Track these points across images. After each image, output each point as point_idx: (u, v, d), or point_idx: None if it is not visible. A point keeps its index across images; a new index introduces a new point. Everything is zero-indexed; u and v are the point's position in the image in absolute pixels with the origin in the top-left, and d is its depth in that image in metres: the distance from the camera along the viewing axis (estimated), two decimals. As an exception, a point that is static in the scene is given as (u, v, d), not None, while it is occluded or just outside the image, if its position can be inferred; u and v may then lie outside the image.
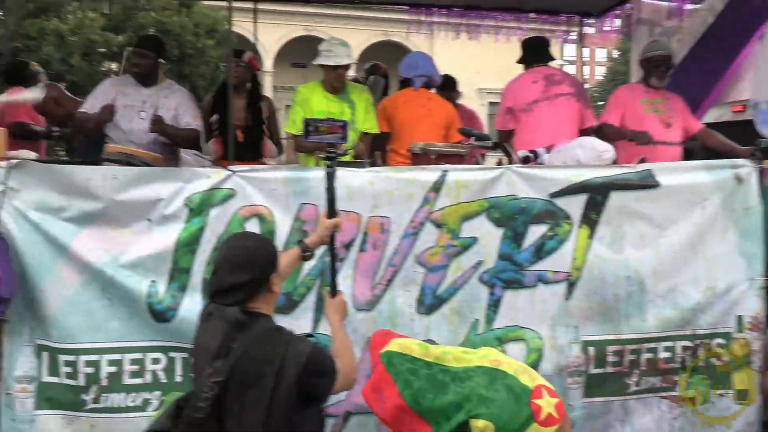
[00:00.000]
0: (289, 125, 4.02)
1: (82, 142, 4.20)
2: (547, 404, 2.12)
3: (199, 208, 2.94)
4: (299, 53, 28.46)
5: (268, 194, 2.99)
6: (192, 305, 2.95)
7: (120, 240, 2.93)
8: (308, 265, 3.01)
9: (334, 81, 3.90)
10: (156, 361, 3.00)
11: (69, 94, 4.23)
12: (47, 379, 2.93)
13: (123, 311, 2.95)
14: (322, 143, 2.80)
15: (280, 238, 2.99)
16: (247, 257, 2.13)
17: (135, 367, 2.97)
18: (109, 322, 2.95)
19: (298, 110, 3.96)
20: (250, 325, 2.10)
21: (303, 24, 24.45)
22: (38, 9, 16.48)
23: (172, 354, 3.00)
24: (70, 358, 2.91)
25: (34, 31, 16.08)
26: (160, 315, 2.93)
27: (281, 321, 2.98)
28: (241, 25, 23.58)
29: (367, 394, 2.33)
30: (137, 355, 2.98)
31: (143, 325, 2.96)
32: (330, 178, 2.60)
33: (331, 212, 2.60)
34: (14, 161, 2.84)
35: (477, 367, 2.23)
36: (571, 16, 5.39)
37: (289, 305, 3.03)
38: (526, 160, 3.40)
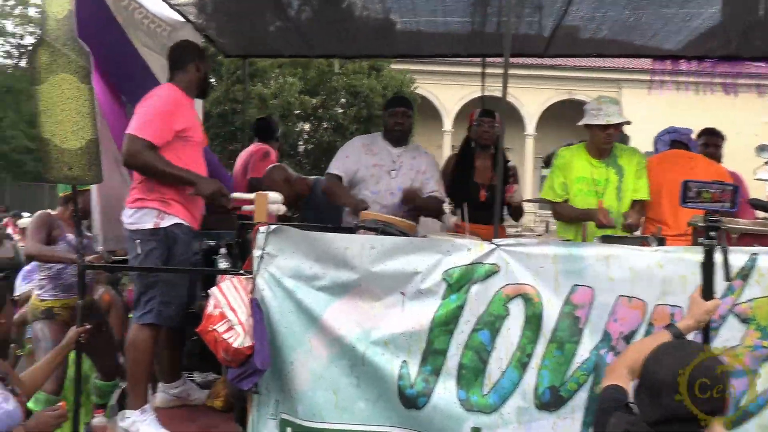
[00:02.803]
0: (546, 191, 3.68)
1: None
2: None
3: (458, 284, 2.66)
4: (478, 113, 28.78)
5: (536, 272, 2.64)
6: (445, 393, 2.65)
7: (372, 314, 2.72)
8: (580, 358, 2.60)
9: (602, 143, 3.51)
10: (401, 451, 2.71)
11: (296, 173, 4.25)
12: (289, 457, 2.76)
13: (371, 392, 2.71)
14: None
15: (548, 323, 2.62)
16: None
17: (378, 455, 2.71)
18: (356, 402, 2.72)
19: (558, 175, 3.62)
20: None
21: (480, 84, 24.63)
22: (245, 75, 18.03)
23: (418, 444, 2.70)
24: (315, 438, 2.72)
25: (242, 96, 17.57)
26: (411, 400, 2.65)
27: (545, 419, 2.62)
28: (424, 87, 24.04)
29: None
30: (382, 442, 2.72)
31: (390, 410, 2.69)
32: (710, 254, 2.26)
33: (708, 293, 2.25)
34: (272, 227, 2.76)
35: None
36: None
37: (555, 401, 2.61)
38: None
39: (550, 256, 2.63)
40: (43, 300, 3.91)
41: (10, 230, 10.03)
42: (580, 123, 3.56)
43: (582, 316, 2.61)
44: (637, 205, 3.56)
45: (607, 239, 2.87)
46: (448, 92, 25.13)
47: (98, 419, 3.05)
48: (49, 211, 4.07)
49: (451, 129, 25.78)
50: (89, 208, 3.77)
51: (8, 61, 31.37)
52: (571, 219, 3.54)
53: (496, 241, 2.68)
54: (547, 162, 5.21)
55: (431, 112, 24.70)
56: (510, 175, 4.16)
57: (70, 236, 3.87)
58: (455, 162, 4.31)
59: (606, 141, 3.49)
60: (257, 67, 17.41)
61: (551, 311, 2.62)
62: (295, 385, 2.72)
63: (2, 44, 31.35)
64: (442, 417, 2.63)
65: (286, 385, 2.74)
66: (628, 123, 3.52)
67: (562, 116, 26.73)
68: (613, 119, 3.43)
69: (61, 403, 2.69)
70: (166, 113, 3.13)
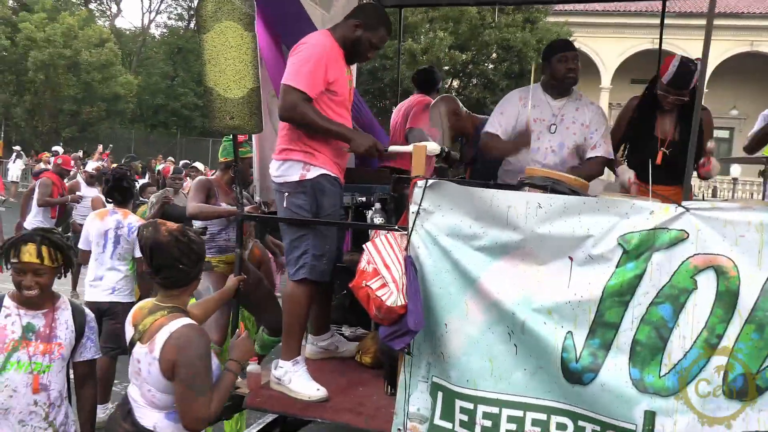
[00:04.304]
0: None
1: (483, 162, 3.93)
2: None
3: (636, 250, 2.35)
4: (642, 68, 26.61)
5: (734, 242, 2.26)
6: (616, 370, 2.37)
7: (535, 279, 2.49)
8: (784, 341, 2.21)
9: None
10: (562, 426, 2.49)
11: (465, 109, 4.01)
12: (440, 422, 2.64)
13: (530, 362, 2.51)
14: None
15: (746, 302, 2.24)
16: None
17: (536, 429, 2.51)
18: (513, 372, 2.53)
19: None
20: None
21: (649, 36, 22.65)
22: (395, 31, 17.95)
23: (581, 423, 2.46)
24: (468, 405, 2.57)
25: (391, 52, 17.54)
26: (575, 375, 2.41)
27: (734, 409, 2.29)
28: (581, 40, 22.66)
29: None
30: (540, 416, 2.51)
31: (551, 382, 2.48)
32: None
33: None
34: (430, 181, 2.60)
35: None
36: None
37: (746, 390, 2.26)
38: None
39: (754, 223, 2.24)
40: None
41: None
42: None
43: (788, 295, 2.21)
44: None
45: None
46: (607, 46, 23.52)
47: (252, 366, 3.11)
48: (209, 177, 4.18)
49: (610, 85, 24.19)
50: (248, 176, 3.80)
51: (179, 23, 33.75)
52: None
53: (686, 203, 2.32)
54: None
55: (588, 68, 23.28)
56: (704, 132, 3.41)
57: (224, 205, 3.91)
58: (635, 109, 3.70)
59: None
60: (407, 22, 17.28)
61: (751, 288, 2.24)
62: (448, 349, 2.58)
63: (174, 7, 33.73)
64: (611, 396, 2.37)
65: (438, 349, 2.62)
66: None
67: (741, 70, 24.09)
68: None
69: (240, 328, 2.78)
70: (318, 62, 2.95)
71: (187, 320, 2.37)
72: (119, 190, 4.67)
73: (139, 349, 2.38)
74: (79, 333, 2.65)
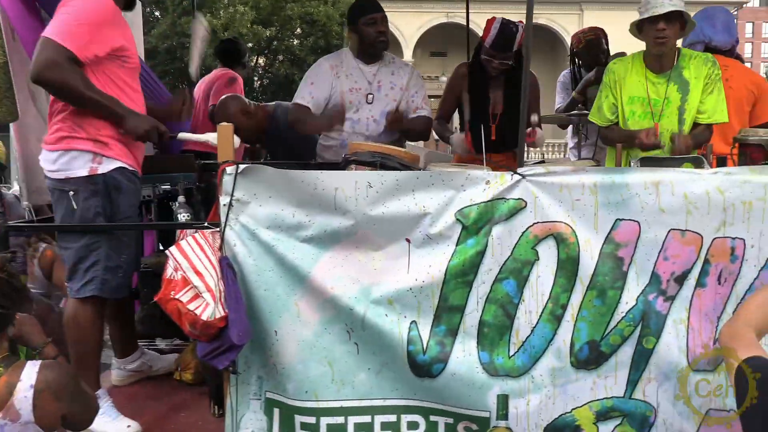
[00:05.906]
0: (594, 113, 3.14)
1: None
2: None
3: (476, 225, 2.17)
4: (439, 42, 27.73)
5: (571, 206, 2.17)
6: (465, 356, 2.20)
7: (372, 267, 2.22)
8: (625, 306, 2.17)
9: (653, 44, 2.87)
10: (413, 425, 2.28)
11: (252, 102, 3.65)
12: (280, 443, 2.31)
13: (374, 360, 2.25)
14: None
15: (586, 266, 2.16)
16: None
17: (386, 434, 2.27)
18: (356, 374, 2.25)
19: (608, 94, 3.06)
20: None
21: (444, 11, 23.59)
22: (192, 7, 16.82)
23: (433, 418, 2.27)
24: (310, 419, 2.25)
25: (189, 29, 16.45)
26: (423, 368, 2.20)
27: (583, 379, 2.22)
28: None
29: None
30: (390, 418, 2.27)
31: (398, 380, 2.24)
32: None
33: None
34: (242, 167, 2.20)
35: None
36: None
37: (595, 358, 2.20)
38: None
39: (588, 185, 2.15)
40: None
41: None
42: (632, 23, 2.94)
43: (626, 256, 2.17)
44: (701, 127, 2.99)
45: (647, 162, 2.41)
46: (406, 20, 24.19)
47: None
48: None
49: (412, 59, 24.96)
50: None
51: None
52: (616, 144, 2.99)
53: (521, 170, 2.18)
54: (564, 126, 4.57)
55: (390, 42, 23.85)
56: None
57: None
58: (466, 80, 3.50)
59: (656, 41, 2.85)
60: (204, -3, 16.28)
61: (590, 253, 2.17)
62: (281, 359, 2.24)
63: None
64: (462, 385, 2.19)
65: (270, 359, 2.26)
66: (684, 13, 2.81)
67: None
68: (661, 9, 2.76)
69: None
70: (98, 22, 2.42)
71: (35, 363, 1.90)
72: None
73: None
74: None
